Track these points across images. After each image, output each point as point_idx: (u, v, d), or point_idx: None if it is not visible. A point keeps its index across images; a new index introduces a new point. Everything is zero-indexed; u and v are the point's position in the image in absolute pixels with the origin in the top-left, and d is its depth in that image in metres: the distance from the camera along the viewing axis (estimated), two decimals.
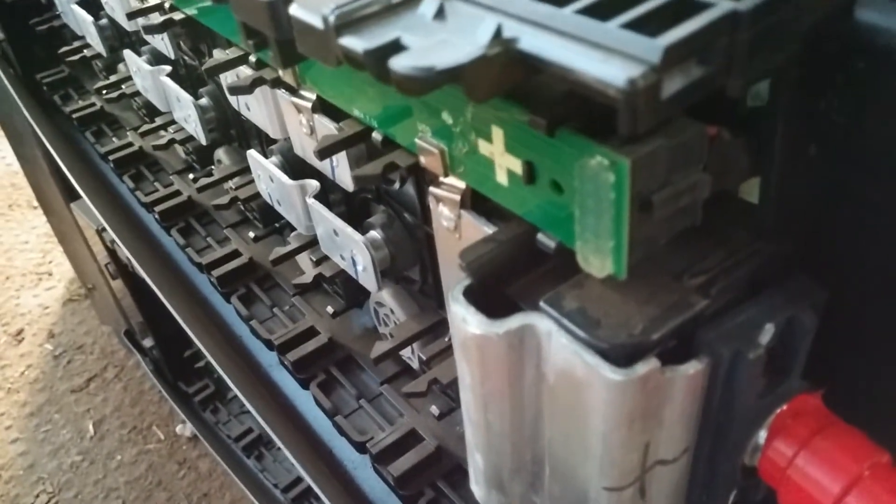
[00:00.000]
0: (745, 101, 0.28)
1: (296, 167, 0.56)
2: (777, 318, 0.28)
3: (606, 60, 0.21)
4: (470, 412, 0.33)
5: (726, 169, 0.27)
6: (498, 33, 0.23)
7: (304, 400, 0.65)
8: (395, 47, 0.23)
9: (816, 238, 0.30)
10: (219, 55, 0.50)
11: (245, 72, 0.49)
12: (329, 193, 0.56)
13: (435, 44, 0.23)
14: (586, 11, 0.22)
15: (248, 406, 0.63)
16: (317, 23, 0.25)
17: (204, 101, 0.67)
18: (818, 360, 0.30)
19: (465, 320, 0.29)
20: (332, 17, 0.24)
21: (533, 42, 0.22)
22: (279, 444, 0.59)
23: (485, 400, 0.31)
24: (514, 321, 0.28)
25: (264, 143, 0.65)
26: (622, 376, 0.26)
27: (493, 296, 0.30)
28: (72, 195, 1.24)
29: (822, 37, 0.25)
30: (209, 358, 0.68)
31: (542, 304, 0.28)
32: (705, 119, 0.25)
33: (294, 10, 0.26)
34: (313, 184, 0.51)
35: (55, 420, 1.65)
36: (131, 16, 0.57)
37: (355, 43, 0.24)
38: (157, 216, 0.77)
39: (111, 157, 0.85)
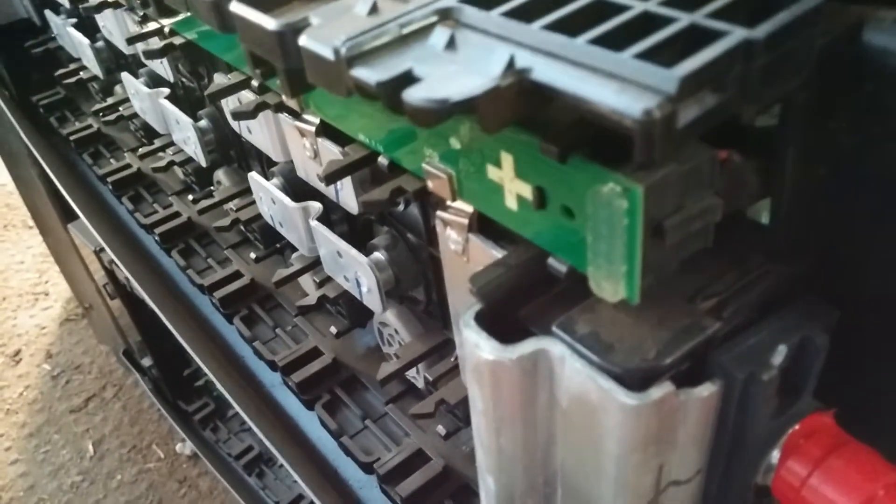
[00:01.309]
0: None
1: (297, 188, 0.56)
2: (789, 339, 0.28)
3: (622, 91, 0.21)
4: (481, 436, 0.33)
5: (737, 191, 0.28)
6: (511, 63, 0.23)
7: (308, 419, 0.64)
8: (408, 79, 0.23)
9: (827, 257, 0.30)
10: (220, 79, 0.50)
11: (247, 96, 0.49)
12: (331, 213, 0.56)
13: (448, 75, 0.23)
14: (599, 41, 0.22)
15: (255, 428, 0.63)
16: (328, 54, 0.25)
17: (203, 123, 0.67)
18: (830, 379, 0.30)
19: (477, 346, 0.29)
20: (343, 49, 0.24)
21: (546, 72, 0.22)
22: (286, 464, 0.59)
23: (497, 424, 0.31)
24: (528, 346, 0.28)
25: (265, 164, 0.65)
26: (637, 401, 0.26)
27: (503, 320, 0.30)
28: (69, 216, 1.24)
29: (830, 59, 0.25)
30: (213, 379, 0.68)
31: (554, 328, 0.28)
32: (713, 139, 0.25)
33: (304, 41, 0.26)
34: (316, 206, 0.51)
35: (54, 440, 1.64)
36: (131, 41, 0.57)
37: (367, 74, 0.24)
38: (157, 238, 0.77)
39: (110, 179, 0.85)
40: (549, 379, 0.29)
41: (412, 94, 0.22)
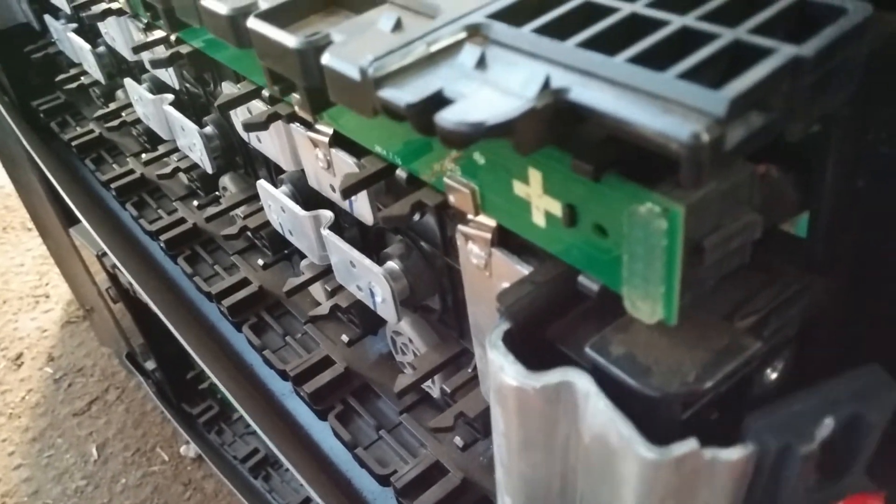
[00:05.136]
0: None
1: (307, 196, 0.55)
2: (839, 412, 0.26)
3: (666, 113, 0.20)
4: (502, 456, 0.32)
5: (775, 206, 0.27)
6: (547, 84, 0.22)
7: (320, 429, 0.64)
8: (439, 100, 0.23)
9: (863, 271, 0.29)
10: (229, 89, 0.49)
11: (258, 106, 0.48)
12: (341, 220, 0.55)
13: (481, 96, 0.22)
14: (638, 59, 0.22)
15: (266, 439, 0.62)
16: (353, 74, 0.24)
17: (209, 129, 0.66)
18: (886, 456, 0.28)
19: (502, 369, 0.28)
20: (370, 69, 0.24)
21: (584, 93, 0.21)
22: (298, 476, 0.58)
23: (518, 447, 0.30)
24: (553, 377, 0.27)
25: (272, 170, 0.64)
26: (656, 455, 0.24)
27: (531, 338, 0.30)
28: (70, 220, 1.23)
29: (870, 69, 0.25)
30: (223, 389, 0.67)
31: (587, 350, 0.27)
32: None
33: (328, 60, 0.25)
34: (327, 215, 0.51)
35: (58, 444, 1.63)
36: (137, 50, 0.56)
37: (397, 96, 0.23)
38: (162, 245, 0.76)
39: (113, 185, 0.84)
40: (572, 412, 0.27)
41: (445, 118, 0.22)
